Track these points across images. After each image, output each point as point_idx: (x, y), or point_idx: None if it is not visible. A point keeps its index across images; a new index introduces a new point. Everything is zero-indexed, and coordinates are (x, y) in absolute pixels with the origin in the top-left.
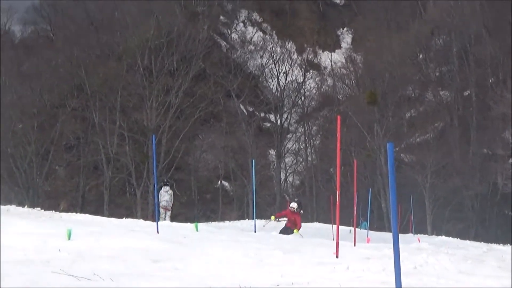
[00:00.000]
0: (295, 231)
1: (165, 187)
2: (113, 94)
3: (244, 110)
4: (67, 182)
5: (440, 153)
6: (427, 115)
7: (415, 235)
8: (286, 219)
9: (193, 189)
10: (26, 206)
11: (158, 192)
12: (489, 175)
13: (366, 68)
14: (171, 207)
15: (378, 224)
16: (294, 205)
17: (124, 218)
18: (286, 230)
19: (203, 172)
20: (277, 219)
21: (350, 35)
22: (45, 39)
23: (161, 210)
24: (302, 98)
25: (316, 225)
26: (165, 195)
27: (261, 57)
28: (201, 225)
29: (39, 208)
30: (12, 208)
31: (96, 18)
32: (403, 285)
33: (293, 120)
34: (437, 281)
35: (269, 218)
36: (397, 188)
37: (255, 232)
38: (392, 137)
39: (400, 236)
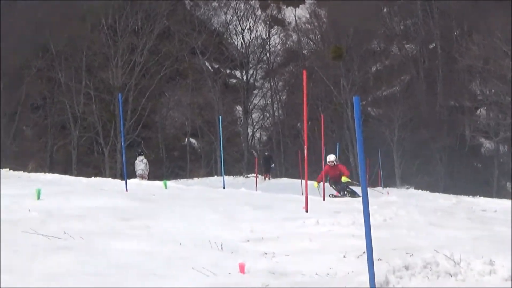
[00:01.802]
0: (343, 178)
1: (140, 156)
2: (78, 54)
3: (210, 67)
4: (35, 143)
5: (407, 106)
6: (393, 69)
7: (384, 188)
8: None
9: (160, 147)
10: None
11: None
12: (456, 128)
13: (330, 23)
14: (147, 176)
15: None
16: (331, 157)
17: (93, 177)
18: (336, 185)
19: (170, 129)
20: (318, 185)
21: None
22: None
23: (137, 179)
24: (268, 54)
25: (285, 180)
26: (140, 164)
27: (225, 13)
28: (169, 183)
29: (8, 169)
30: None
31: None
32: (373, 238)
33: (259, 76)
34: (408, 233)
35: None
36: (364, 142)
37: (224, 188)
38: (358, 91)
39: (369, 190)
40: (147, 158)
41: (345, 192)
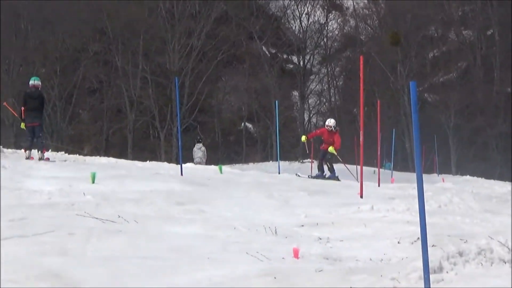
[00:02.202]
0: (330, 148)
1: (198, 144)
2: (136, 38)
3: (267, 52)
4: (91, 126)
5: (463, 92)
6: (450, 55)
7: (440, 175)
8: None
9: (216, 131)
10: (50, 150)
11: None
12: None
13: (388, 9)
14: (205, 163)
15: (402, 164)
16: (331, 122)
17: (148, 161)
18: (323, 154)
19: (227, 114)
20: (310, 140)
21: None
22: None
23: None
24: (325, 39)
25: (341, 166)
26: (198, 152)
27: None
28: (225, 168)
29: (63, 152)
30: (34, 152)
31: None
32: (427, 224)
33: (316, 61)
34: (462, 219)
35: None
36: (420, 128)
37: (279, 173)
38: (415, 77)
39: (425, 176)
40: (203, 143)
41: (323, 171)
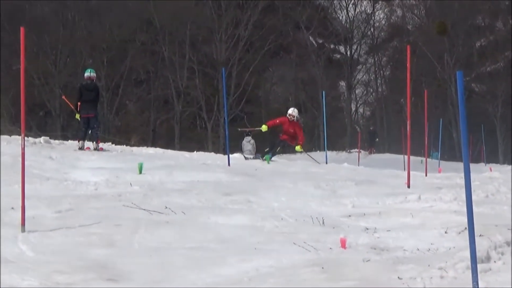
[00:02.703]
0: (297, 147)
1: (247, 137)
2: (182, 28)
3: (314, 42)
4: (138, 117)
5: (510, 82)
6: (497, 44)
7: (487, 164)
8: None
9: (263, 121)
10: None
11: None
12: None
13: None
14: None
15: (449, 154)
16: (294, 111)
17: (195, 152)
18: (281, 143)
19: (274, 104)
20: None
21: None
22: None
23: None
24: (372, 29)
25: (387, 155)
26: (248, 145)
27: None
28: (272, 158)
29: (110, 143)
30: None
31: None
32: (474, 214)
33: (363, 51)
34: (509, 209)
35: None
36: (467, 118)
37: (326, 163)
38: (462, 66)
39: (472, 165)
40: (251, 135)
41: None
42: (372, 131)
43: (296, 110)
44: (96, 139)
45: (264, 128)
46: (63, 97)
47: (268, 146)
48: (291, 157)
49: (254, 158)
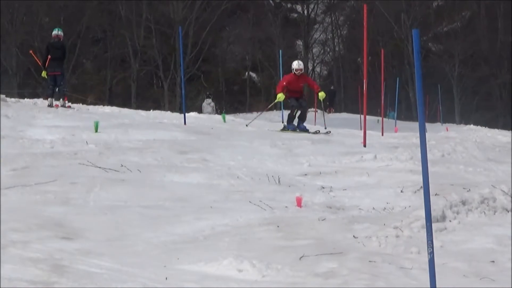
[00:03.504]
0: (320, 94)
1: (208, 99)
2: None
3: (271, 1)
4: (95, 75)
5: (467, 42)
6: (454, 4)
7: (443, 124)
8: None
9: (220, 80)
10: (53, 99)
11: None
12: None
13: None
14: None
15: (406, 114)
16: (300, 64)
17: (151, 110)
18: (298, 104)
19: (231, 63)
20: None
21: None
22: None
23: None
24: None
25: (344, 115)
26: (208, 107)
27: None
28: (228, 117)
29: (67, 102)
30: (40, 101)
31: None
32: (430, 173)
33: (320, 11)
34: (465, 168)
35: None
36: (424, 78)
37: (282, 122)
38: (419, 26)
39: (428, 125)
40: (211, 98)
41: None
42: (332, 90)
43: (301, 62)
44: (63, 96)
45: (281, 97)
46: (31, 51)
47: (290, 121)
48: (247, 116)
49: (287, 129)
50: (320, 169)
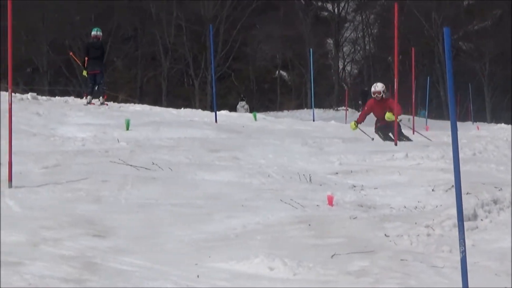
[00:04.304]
0: (387, 115)
1: (241, 102)
2: None
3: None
4: (125, 74)
5: (498, 40)
6: (485, 3)
7: (474, 123)
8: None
9: (251, 79)
10: (84, 97)
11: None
12: None
13: None
14: None
15: (437, 112)
16: (377, 87)
17: (182, 109)
18: (385, 131)
19: (261, 62)
20: (357, 125)
21: None
22: None
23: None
24: None
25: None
26: (241, 110)
27: None
28: (259, 115)
29: (97, 100)
30: (71, 99)
31: None
32: (461, 172)
33: (351, 9)
34: (497, 167)
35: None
36: (455, 77)
37: (313, 121)
38: (449, 25)
39: (459, 124)
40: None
41: (401, 137)
42: (366, 91)
43: (379, 85)
44: (102, 94)
45: (352, 125)
46: (71, 53)
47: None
48: (278, 114)
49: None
50: (351, 168)
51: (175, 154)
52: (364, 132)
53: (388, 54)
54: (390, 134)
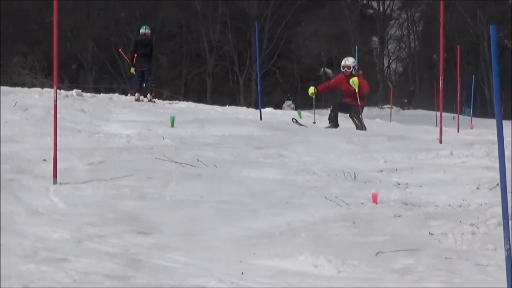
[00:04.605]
0: (352, 81)
1: (288, 101)
2: None
3: None
4: (170, 71)
5: None
6: None
7: None
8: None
9: (296, 76)
10: (129, 94)
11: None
12: None
13: None
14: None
15: (481, 111)
16: (348, 61)
17: (227, 106)
18: (344, 109)
19: (306, 59)
20: (315, 92)
21: None
22: None
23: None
24: None
25: (420, 111)
26: (287, 109)
27: None
28: (304, 112)
29: (142, 96)
30: (115, 96)
31: None
32: (507, 170)
33: (396, 7)
34: None
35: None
36: (500, 75)
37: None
38: (495, 23)
39: (504, 122)
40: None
41: (336, 125)
42: (412, 90)
43: (351, 59)
44: (150, 91)
45: (312, 90)
46: (120, 50)
47: (330, 121)
48: (322, 112)
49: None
50: (396, 165)
51: (220, 151)
52: (299, 123)
53: (433, 52)
54: (355, 119)
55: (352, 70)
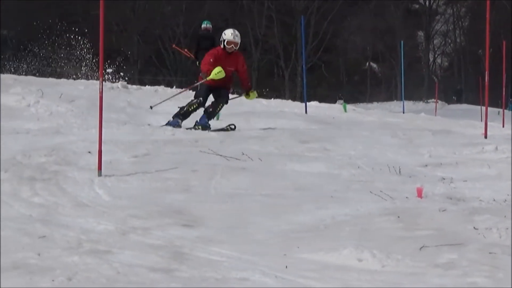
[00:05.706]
0: (246, 96)
1: (339, 100)
2: None
3: None
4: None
5: None
6: None
7: None
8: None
9: (341, 70)
10: (174, 87)
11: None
12: None
13: None
14: None
15: None
16: (239, 37)
17: (272, 99)
18: (214, 94)
19: (351, 53)
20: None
21: None
22: None
23: None
24: None
25: (464, 106)
26: None
27: None
28: (349, 106)
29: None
30: (161, 89)
31: None
32: None
33: (442, 1)
34: None
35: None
36: None
37: (403, 113)
38: None
39: None
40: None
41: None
42: (459, 90)
43: (239, 36)
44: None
45: (217, 73)
46: (174, 45)
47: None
48: (367, 106)
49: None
50: (441, 160)
51: (265, 144)
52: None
53: (478, 47)
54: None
55: (236, 49)
